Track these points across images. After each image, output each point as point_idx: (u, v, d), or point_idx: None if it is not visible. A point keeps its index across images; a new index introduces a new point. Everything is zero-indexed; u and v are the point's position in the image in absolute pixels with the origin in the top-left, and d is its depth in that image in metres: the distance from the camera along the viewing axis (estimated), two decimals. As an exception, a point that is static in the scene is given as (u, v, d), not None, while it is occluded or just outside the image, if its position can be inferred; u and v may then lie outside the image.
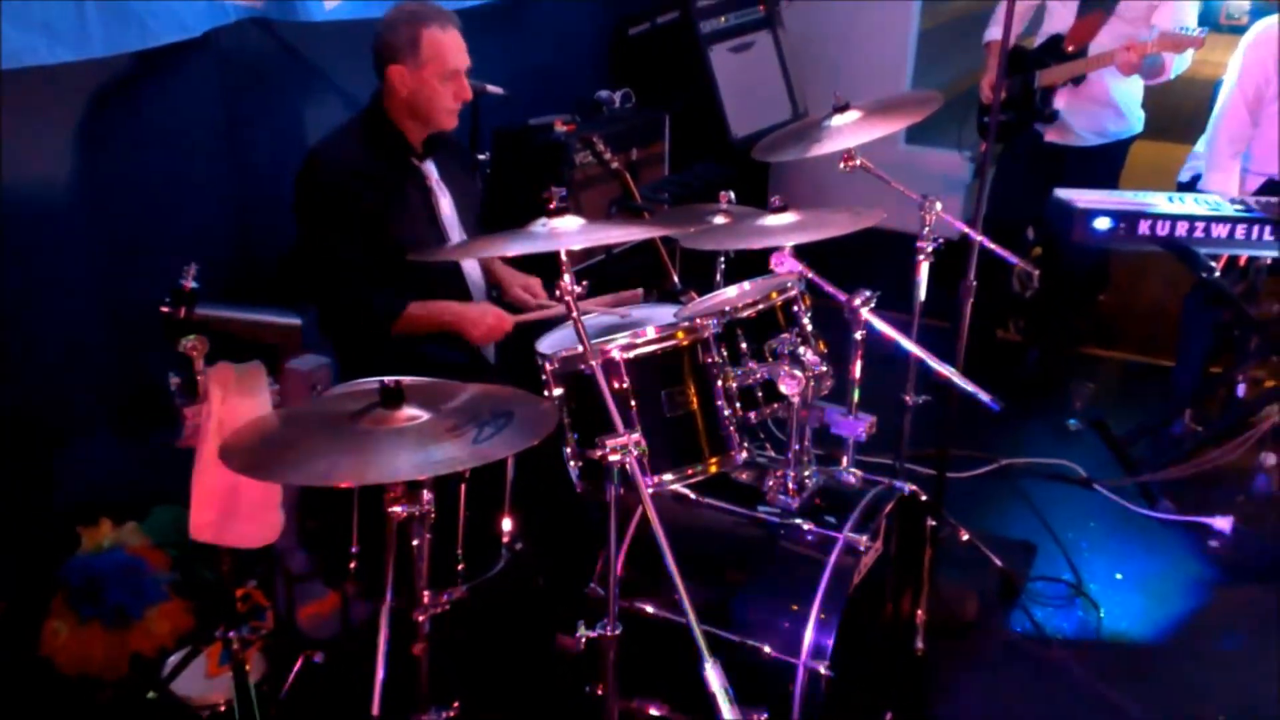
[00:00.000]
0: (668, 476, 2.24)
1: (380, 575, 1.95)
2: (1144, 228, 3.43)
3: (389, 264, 2.67)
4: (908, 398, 2.92)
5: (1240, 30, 3.97)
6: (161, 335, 2.01)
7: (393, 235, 2.70)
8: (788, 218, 2.56)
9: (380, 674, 1.88)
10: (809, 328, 2.48)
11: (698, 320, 2.29)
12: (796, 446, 2.34)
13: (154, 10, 2.76)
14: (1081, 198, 3.52)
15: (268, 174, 3.20)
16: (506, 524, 2.27)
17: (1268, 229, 3.39)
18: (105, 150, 2.91)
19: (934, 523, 2.57)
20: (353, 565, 2.18)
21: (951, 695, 2.75)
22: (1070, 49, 3.88)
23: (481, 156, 3.60)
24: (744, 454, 2.33)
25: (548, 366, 2.28)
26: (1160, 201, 3.51)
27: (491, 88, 3.41)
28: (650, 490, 2.02)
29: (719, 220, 2.83)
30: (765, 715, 2.15)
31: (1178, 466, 3.69)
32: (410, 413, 1.81)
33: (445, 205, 2.88)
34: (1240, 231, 3.40)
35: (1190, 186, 3.96)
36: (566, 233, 2.00)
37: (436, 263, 2.74)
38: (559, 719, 2.51)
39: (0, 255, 2.67)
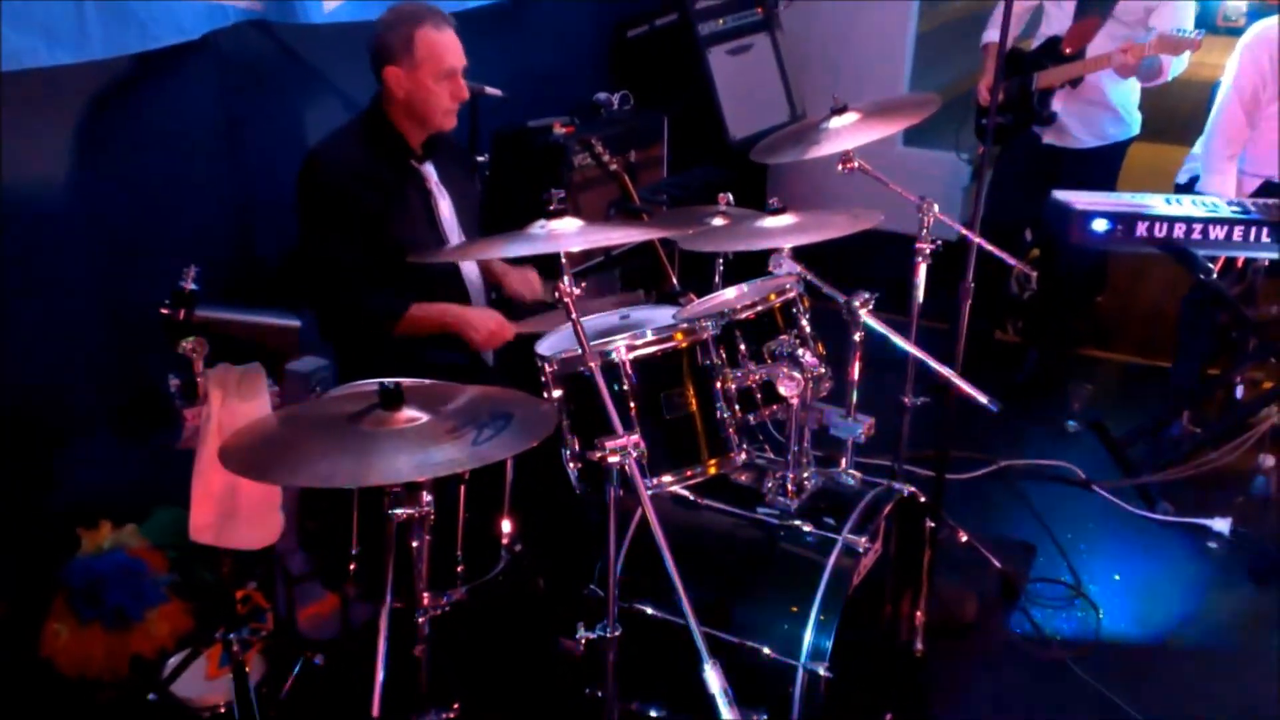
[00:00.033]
0: (667, 478, 2.24)
1: (380, 577, 1.95)
2: (1142, 229, 3.43)
3: (388, 265, 2.68)
4: (906, 399, 2.92)
5: (1237, 32, 3.98)
6: (161, 337, 2.01)
7: (392, 237, 2.70)
8: (786, 219, 2.57)
9: (380, 675, 1.88)
10: (808, 329, 2.48)
11: (697, 322, 2.29)
12: (795, 448, 2.34)
13: (153, 12, 2.76)
14: (1079, 199, 3.52)
15: (267, 175, 3.21)
16: (506, 526, 2.27)
17: (1265, 231, 3.39)
18: (105, 152, 2.92)
19: (933, 524, 2.58)
20: (353, 567, 2.17)
21: (951, 697, 2.76)
22: (1068, 51, 3.88)
23: (480, 158, 3.60)
24: (743, 456, 2.33)
25: (547, 368, 2.29)
26: (1158, 203, 3.51)
27: (490, 90, 3.41)
28: (649, 492, 2.02)
29: (717, 222, 2.84)
30: (765, 717, 2.16)
31: (1176, 468, 3.69)
32: (410, 414, 1.82)
33: (445, 207, 2.88)
34: (1238, 233, 3.41)
35: (1188, 188, 3.97)
36: (565, 234, 2.01)
37: (435, 265, 2.74)
38: (559, 720, 2.51)
39: (0, 256, 2.67)
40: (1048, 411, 4.18)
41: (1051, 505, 3.61)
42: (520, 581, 2.44)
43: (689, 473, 2.26)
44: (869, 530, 2.26)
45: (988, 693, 2.80)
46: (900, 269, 2.82)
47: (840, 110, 2.77)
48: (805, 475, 2.38)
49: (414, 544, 1.95)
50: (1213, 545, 3.44)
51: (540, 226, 2.02)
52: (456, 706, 2.13)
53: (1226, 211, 3.46)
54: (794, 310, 2.47)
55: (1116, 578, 3.26)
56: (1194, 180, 3.97)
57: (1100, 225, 3.44)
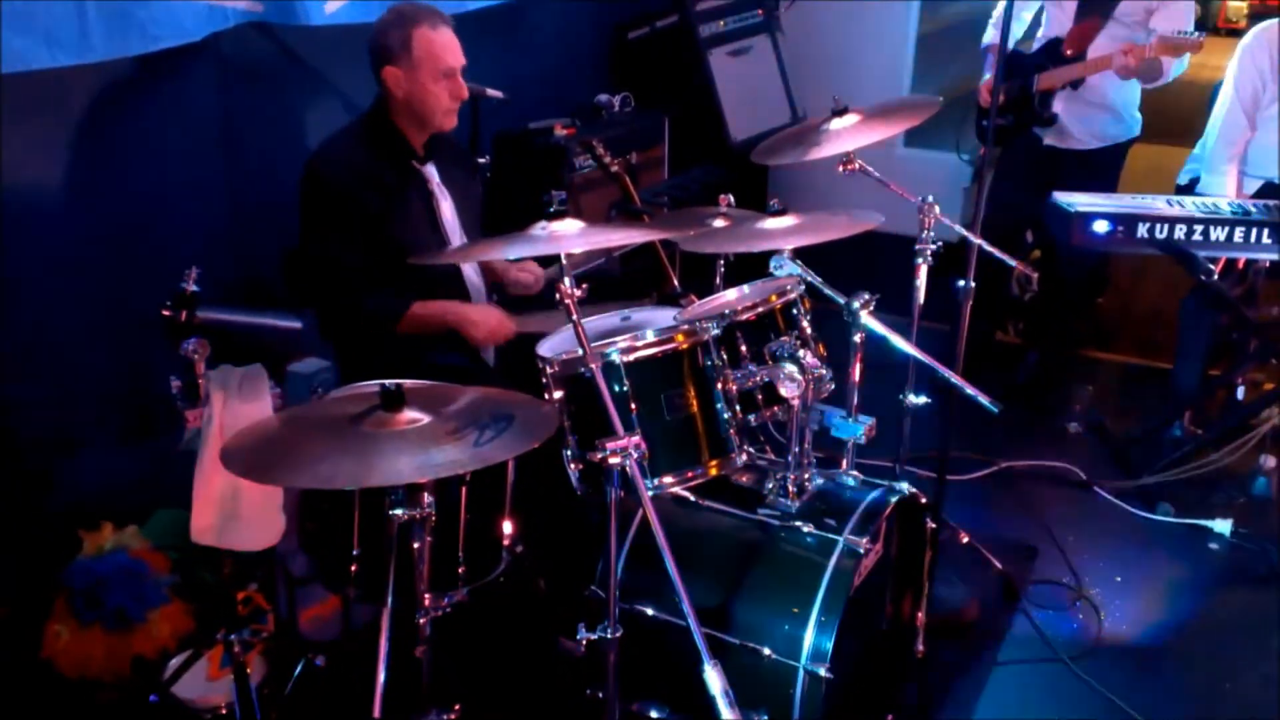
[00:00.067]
0: (668, 479, 2.24)
1: (381, 578, 1.95)
2: (1142, 230, 3.43)
3: (389, 266, 2.68)
4: (907, 400, 2.92)
5: (1238, 34, 3.98)
6: (163, 339, 2.02)
7: (394, 238, 2.70)
8: (787, 221, 2.57)
9: (381, 677, 1.89)
10: (809, 330, 2.48)
11: (698, 323, 2.29)
12: (796, 449, 2.35)
13: (154, 15, 2.77)
14: (1080, 201, 3.53)
15: (268, 177, 3.21)
16: (507, 527, 2.27)
17: (1266, 231, 3.39)
18: (106, 154, 2.92)
19: (934, 525, 2.58)
20: (354, 568, 2.17)
21: (951, 698, 2.75)
22: (1069, 53, 3.88)
23: (481, 160, 3.61)
24: (744, 457, 2.33)
25: (548, 370, 2.29)
26: (1159, 204, 3.51)
27: (491, 91, 3.42)
28: (650, 493, 2.02)
29: (718, 223, 2.84)
30: (765, 718, 2.16)
31: (1177, 469, 3.69)
32: (411, 416, 1.82)
33: (446, 209, 2.89)
34: (1239, 234, 3.41)
35: (1189, 189, 3.97)
36: (566, 236, 2.01)
37: (436, 266, 2.75)
38: (560, 721, 2.51)
39: (1, 258, 2.67)
40: (1048, 412, 4.18)
41: (1052, 506, 3.61)
42: (521, 582, 2.44)
43: (690, 474, 2.26)
44: (870, 531, 2.26)
45: (988, 694, 2.79)
46: (901, 270, 2.82)
47: (841, 112, 2.77)
48: (806, 476, 2.38)
49: (415, 545, 1.95)
50: (1214, 546, 3.43)
51: (541, 228, 2.02)
52: (458, 707, 2.13)
53: (1227, 213, 3.46)
54: (795, 311, 2.48)
55: (1117, 579, 3.26)
56: (1195, 181, 3.97)
57: (1101, 226, 3.45)
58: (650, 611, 2.30)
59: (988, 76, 4.07)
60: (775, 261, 2.59)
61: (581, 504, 2.37)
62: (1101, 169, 3.99)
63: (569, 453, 2.30)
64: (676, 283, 3.02)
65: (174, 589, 2.73)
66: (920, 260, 2.77)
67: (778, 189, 5.00)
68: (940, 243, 2.80)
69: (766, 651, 2.16)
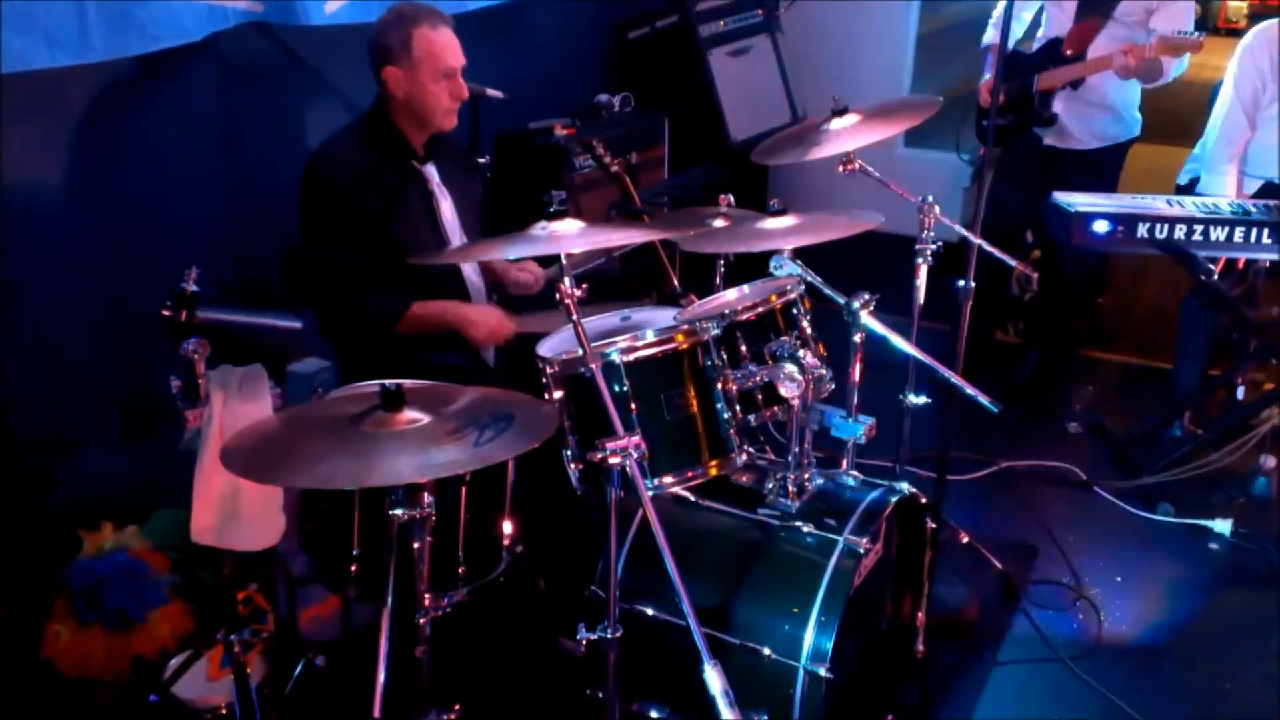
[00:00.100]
0: (668, 479, 2.24)
1: (381, 578, 1.95)
2: (1142, 230, 3.43)
3: (389, 266, 2.68)
4: (907, 400, 2.92)
5: (1238, 34, 3.98)
6: (163, 339, 2.02)
7: (394, 238, 2.70)
8: (787, 221, 2.57)
9: (381, 677, 1.89)
10: (809, 330, 2.48)
11: (698, 323, 2.29)
12: (796, 449, 2.35)
13: (154, 15, 2.77)
14: (1080, 201, 3.53)
15: (268, 177, 3.21)
16: (507, 527, 2.27)
17: (1266, 232, 3.39)
18: (106, 154, 2.92)
19: (934, 525, 2.58)
20: (354, 568, 2.17)
21: (952, 698, 2.75)
22: (1069, 53, 3.89)
23: (481, 160, 3.61)
24: (744, 457, 2.33)
25: (548, 370, 2.29)
26: (1159, 204, 3.51)
27: (491, 91, 3.42)
28: (650, 493, 2.02)
29: (718, 223, 2.84)
30: (765, 718, 2.16)
31: (1177, 469, 3.69)
32: (411, 416, 1.82)
33: (446, 209, 2.89)
34: (1239, 234, 3.41)
35: (1189, 189, 3.97)
36: (566, 236, 2.01)
37: (436, 266, 2.75)
38: (560, 721, 2.51)
39: (1, 257, 2.67)
40: (1048, 413, 4.18)
41: (1052, 506, 3.61)
42: (521, 582, 2.44)
43: (690, 474, 2.26)
44: (870, 531, 2.26)
45: (988, 694, 2.79)
46: (901, 270, 2.82)
47: (841, 112, 2.77)
48: (806, 476, 2.38)
49: (415, 545, 1.95)
50: (1214, 546, 3.43)
51: (541, 228, 2.02)
52: (458, 708, 2.13)
53: (1227, 213, 3.46)
54: (795, 311, 2.47)
55: (1117, 579, 3.26)
56: (1195, 181, 3.97)
57: (1101, 226, 3.45)
58: (650, 611, 2.30)
59: (988, 76, 4.08)
60: (775, 261, 2.59)
61: (581, 504, 2.37)
62: (1101, 169, 3.99)
63: (569, 453, 2.30)
64: (676, 283, 3.02)
65: (174, 589, 2.73)
66: (920, 260, 2.77)
67: (778, 189, 5.00)
68: (940, 243, 2.80)
69: (766, 651, 2.16)
